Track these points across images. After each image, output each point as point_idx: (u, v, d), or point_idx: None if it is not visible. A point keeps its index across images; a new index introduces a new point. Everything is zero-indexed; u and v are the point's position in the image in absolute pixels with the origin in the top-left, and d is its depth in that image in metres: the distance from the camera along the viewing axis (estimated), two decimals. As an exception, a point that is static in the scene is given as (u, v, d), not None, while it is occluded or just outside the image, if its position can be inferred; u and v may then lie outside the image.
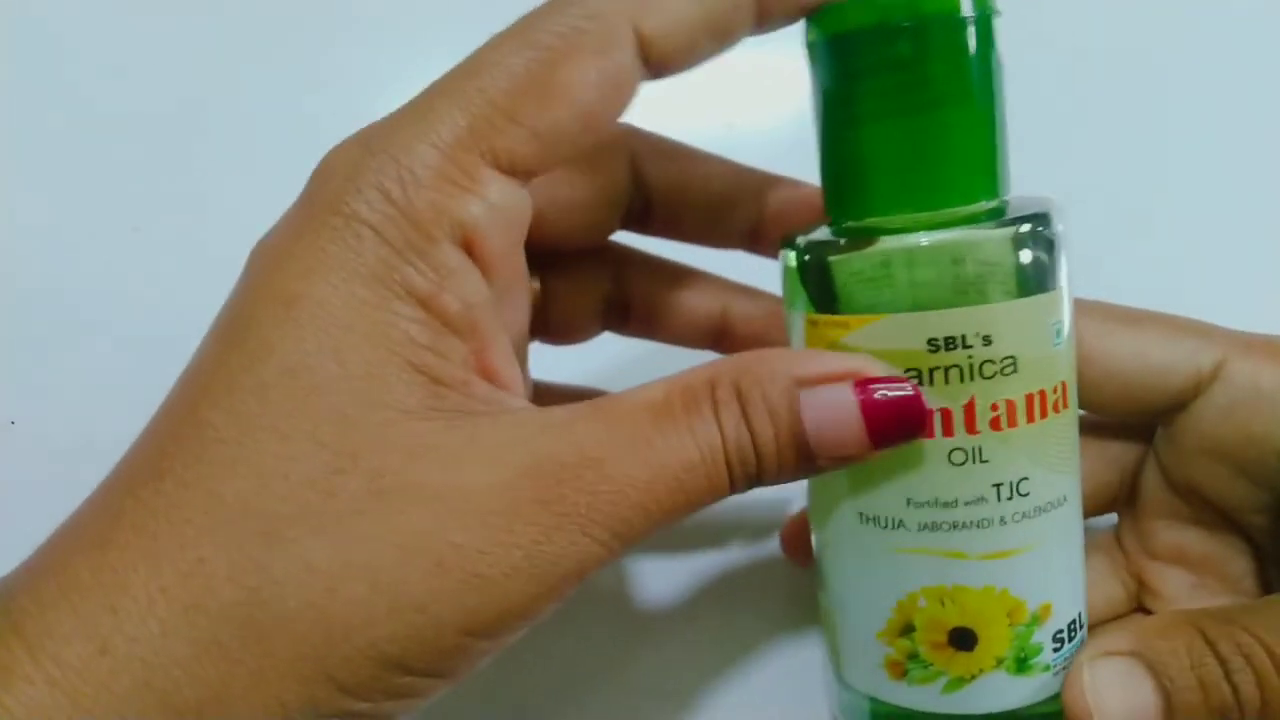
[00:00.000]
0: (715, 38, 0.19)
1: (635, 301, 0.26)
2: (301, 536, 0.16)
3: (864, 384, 0.18)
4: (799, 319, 0.20)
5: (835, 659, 0.23)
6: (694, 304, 0.25)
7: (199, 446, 0.16)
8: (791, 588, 0.29)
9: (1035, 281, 0.19)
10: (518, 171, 0.18)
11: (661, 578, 0.30)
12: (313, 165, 0.19)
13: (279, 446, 0.16)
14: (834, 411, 0.18)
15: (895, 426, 0.18)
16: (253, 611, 0.15)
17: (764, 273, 0.25)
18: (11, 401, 0.31)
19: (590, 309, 0.25)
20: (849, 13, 0.19)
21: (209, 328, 0.18)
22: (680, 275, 0.26)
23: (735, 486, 0.18)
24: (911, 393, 0.18)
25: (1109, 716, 0.19)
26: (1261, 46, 0.35)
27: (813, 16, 0.20)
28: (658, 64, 0.18)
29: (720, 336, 0.26)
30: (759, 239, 0.25)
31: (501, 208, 0.18)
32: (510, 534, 0.16)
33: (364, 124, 0.19)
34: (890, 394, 0.18)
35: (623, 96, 0.18)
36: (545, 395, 0.23)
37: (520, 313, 0.21)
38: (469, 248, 0.18)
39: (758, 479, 0.18)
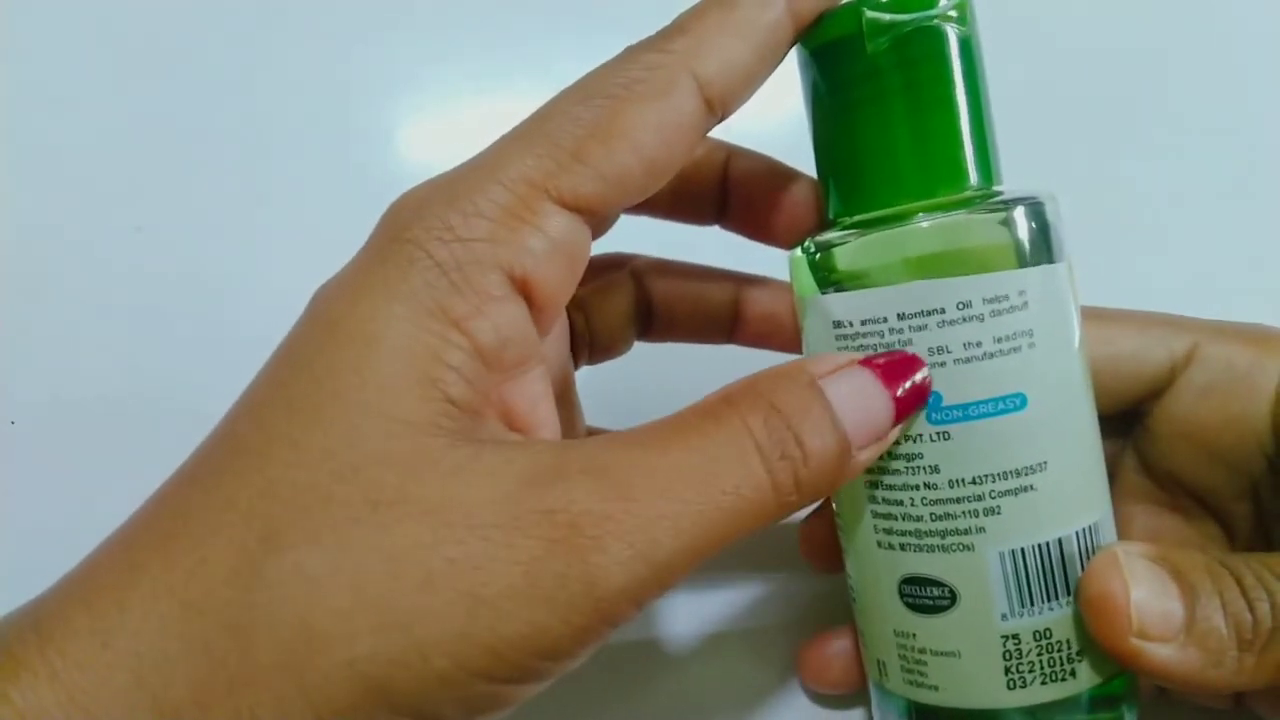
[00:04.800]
0: (766, 64, 0.20)
1: (656, 304, 0.26)
2: (298, 542, 0.16)
3: (868, 361, 0.19)
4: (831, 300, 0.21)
5: None
6: (710, 297, 0.26)
7: (226, 456, 0.17)
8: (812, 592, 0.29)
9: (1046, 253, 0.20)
10: (581, 209, 0.18)
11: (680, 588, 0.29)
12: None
13: (290, 454, 0.16)
14: (859, 390, 0.18)
15: (914, 388, 0.19)
16: (243, 614, 0.15)
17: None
18: (11, 401, 0.31)
19: (626, 320, 0.26)
20: (835, 23, 0.20)
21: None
22: (692, 272, 0.26)
23: (776, 480, 0.17)
24: (913, 354, 0.19)
25: (1148, 615, 0.19)
26: (1252, 44, 0.35)
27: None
28: (721, 103, 0.19)
29: (735, 326, 0.26)
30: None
31: (561, 242, 0.18)
32: (509, 549, 0.15)
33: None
34: (897, 359, 0.19)
35: (685, 140, 0.19)
36: None
37: (561, 344, 0.21)
38: (524, 281, 0.18)
39: (803, 465, 0.17)
